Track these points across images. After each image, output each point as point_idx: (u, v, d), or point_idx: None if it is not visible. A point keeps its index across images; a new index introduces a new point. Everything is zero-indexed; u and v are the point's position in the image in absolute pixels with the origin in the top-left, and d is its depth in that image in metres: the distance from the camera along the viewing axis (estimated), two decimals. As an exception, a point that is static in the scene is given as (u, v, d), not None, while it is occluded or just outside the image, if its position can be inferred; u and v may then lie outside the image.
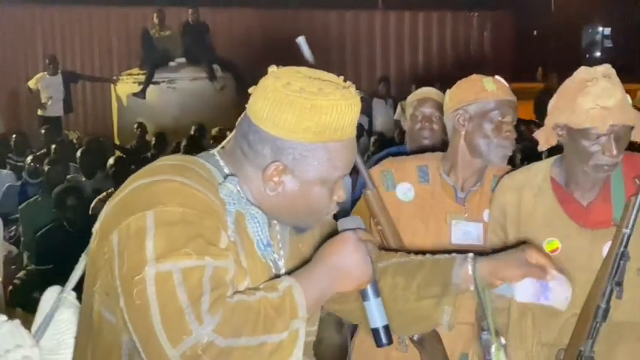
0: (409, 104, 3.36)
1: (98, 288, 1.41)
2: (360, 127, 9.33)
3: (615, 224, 2.06)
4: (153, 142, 8.80)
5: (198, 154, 1.55)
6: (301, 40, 1.88)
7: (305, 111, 1.39)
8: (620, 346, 2.16)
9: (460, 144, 2.38)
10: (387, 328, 1.57)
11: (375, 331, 1.57)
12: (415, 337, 2.22)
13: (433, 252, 1.78)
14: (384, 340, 1.57)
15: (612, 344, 2.14)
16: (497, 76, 2.41)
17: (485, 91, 2.33)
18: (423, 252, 1.78)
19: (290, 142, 1.41)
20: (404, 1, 15.44)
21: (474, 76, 2.42)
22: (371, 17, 14.59)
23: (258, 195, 1.47)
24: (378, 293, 1.57)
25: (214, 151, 1.55)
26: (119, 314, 1.34)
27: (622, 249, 1.98)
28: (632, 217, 1.97)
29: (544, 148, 2.22)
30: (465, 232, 2.40)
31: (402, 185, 2.45)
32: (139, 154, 8.30)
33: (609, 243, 2.04)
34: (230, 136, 1.54)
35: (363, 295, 1.56)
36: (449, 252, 1.78)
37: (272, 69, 1.47)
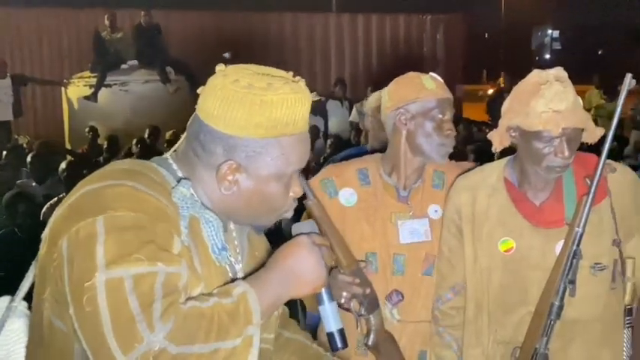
0: (373, 107, 3.36)
1: (48, 295, 1.38)
2: (315, 129, 9.39)
3: (567, 223, 2.10)
4: (105, 146, 8.67)
5: (151, 158, 1.53)
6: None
7: (255, 107, 1.38)
8: (574, 343, 2.19)
9: (402, 143, 2.38)
10: (341, 332, 1.58)
11: (330, 335, 1.58)
12: (370, 343, 2.21)
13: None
14: (339, 344, 1.57)
15: (566, 341, 2.17)
16: (432, 73, 2.42)
17: (426, 90, 2.34)
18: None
19: (242, 139, 1.40)
20: (357, 4, 15.54)
21: (412, 74, 2.42)
22: (325, 20, 14.64)
23: (213, 196, 1.46)
24: (332, 297, 1.57)
25: (167, 154, 1.53)
26: (69, 322, 1.31)
27: (575, 248, 2.01)
28: (584, 217, 2.01)
29: (498, 150, 2.25)
30: (412, 230, 2.40)
31: (344, 191, 2.43)
32: (91, 158, 8.15)
33: (562, 242, 2.08)
34: (182, 138, 1.52)
35: (317, 299, 1.56)
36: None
37: (220, 67, 1.46)
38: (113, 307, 1.23)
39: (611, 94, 10.69)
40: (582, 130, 2.11)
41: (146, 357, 1.21)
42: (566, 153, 2.07)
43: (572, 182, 2.19)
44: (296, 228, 1.57)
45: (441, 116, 2.33)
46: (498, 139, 2.22)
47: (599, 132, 2.13)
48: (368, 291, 2.19)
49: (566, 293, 2.03)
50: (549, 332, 2.05)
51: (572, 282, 2.02)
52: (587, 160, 2.17)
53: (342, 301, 2.17)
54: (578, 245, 2.01)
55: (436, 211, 2.41)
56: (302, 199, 1.78)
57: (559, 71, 2.11)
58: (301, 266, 1.45)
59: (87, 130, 9.72)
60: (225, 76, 1.42)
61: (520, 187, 2.24)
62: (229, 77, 1.41)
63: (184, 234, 1.38)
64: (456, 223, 2.31)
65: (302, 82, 1.46)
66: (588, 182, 2.04)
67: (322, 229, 2.14)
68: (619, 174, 2.18)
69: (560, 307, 2.03)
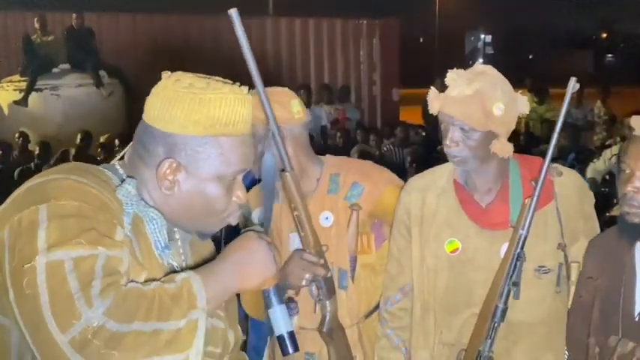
0: None
1: None
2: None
3: (512, 225, 2.10)
4: (36, 152, 8.43)
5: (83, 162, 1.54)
6: (233, 13, 1.81)
7: (194, 104, 1.41)
8: (518, 345, 2.19)
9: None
10: (292, 334, 1.58)
11: (280, 339, 1.58)
12: (325, 329, 2.24)
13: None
14: (290, 347, 1.58)
15: (510, 344, 2.18)
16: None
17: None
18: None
19: (181, 137, 1.42)
20: (294, 8, 15.53)
21: (283, 94, 2.37)
22: (262, 23, 14.57)
23: (157, 198, 1.48)
24: (281, 299, 1.57)
25: (114, 161, 1.54)
26: (10, 311, 1.29)
27: (518, 250, 2.01)
28: (528, 219, 2.01)
29: (434, 112, 2.14)
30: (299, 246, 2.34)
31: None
32: (22, 164, 7.91)
33: (507, 244, 2.07)
34: (129, 145, 1.53)
35: (266, 302, 1.56)
36: None
37: (165, 73, 1.49)
38: (52, 287, 1.23)
39: (542, 97, 10.93)
40: (487, 133, 2.06)
41: (84, 334, 1.21)
42: (447, 141, 2.08)
43: (518, 185, 2.18)
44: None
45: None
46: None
47: (509, 149, 2.11)
48: (329, 274, 2.21)
49: (511, 296, 2.03)
50: (493, 335, 2.05)
51: (516, 284, 2.02)
52: (534, 163, 2.17)
53: (304, 283, 2.19)
54: (522, 248, 2.01)
55: (327, 218, 2.37)
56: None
57: (486, 68, 2.12)
58: (251, 257, 1.48)
59: (17, 135, 9.42)
60: (169, 77, 1.46)
61: (468, 188, 2.24)
62: (171, 78, 1.45)
63: (127, 229, 1.39)
64: (405, 223, 2.30)
65: (244, 87, 1.48)
66: (534, 185, 2.04)
67: (294, 201, 2.09)
68: (565, 177, 2.19)
69: (504, 310, 2.03)
